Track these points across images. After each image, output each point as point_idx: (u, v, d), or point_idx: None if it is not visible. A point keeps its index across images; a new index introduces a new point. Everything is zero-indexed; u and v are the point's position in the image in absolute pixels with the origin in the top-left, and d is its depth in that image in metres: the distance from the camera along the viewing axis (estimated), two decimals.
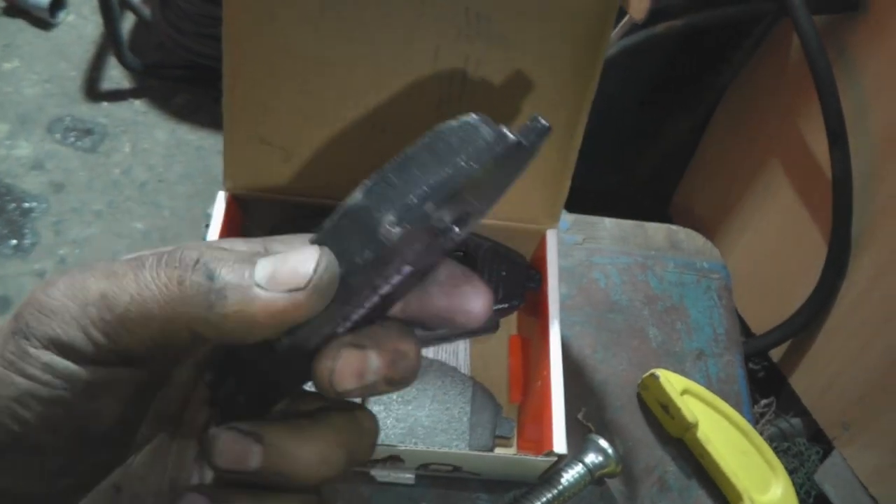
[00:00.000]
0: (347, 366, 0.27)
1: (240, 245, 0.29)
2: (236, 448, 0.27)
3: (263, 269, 0.26)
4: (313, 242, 0.27)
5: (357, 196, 0.27)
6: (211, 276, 0.25)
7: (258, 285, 0.25)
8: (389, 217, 0.26)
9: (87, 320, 0.26)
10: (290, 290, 0.25)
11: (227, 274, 0.26)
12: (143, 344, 0.26)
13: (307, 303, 0.25)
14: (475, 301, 0.29)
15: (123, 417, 0.28)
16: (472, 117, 0.28)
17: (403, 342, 0.28)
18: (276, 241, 0.29)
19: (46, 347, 0.25)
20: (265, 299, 0.25)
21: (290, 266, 0.25)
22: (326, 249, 0.26)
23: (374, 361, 0.27)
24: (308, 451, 0.28)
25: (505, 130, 0.28)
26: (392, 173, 0.27)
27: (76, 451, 0.27)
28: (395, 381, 0.28)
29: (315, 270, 0.25)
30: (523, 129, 0.28)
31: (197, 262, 0.26)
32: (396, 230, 0.26)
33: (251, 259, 0.26)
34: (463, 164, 0.27)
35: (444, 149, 0.27)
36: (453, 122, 0.28)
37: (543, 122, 0.28)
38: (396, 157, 0.28)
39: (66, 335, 0.25)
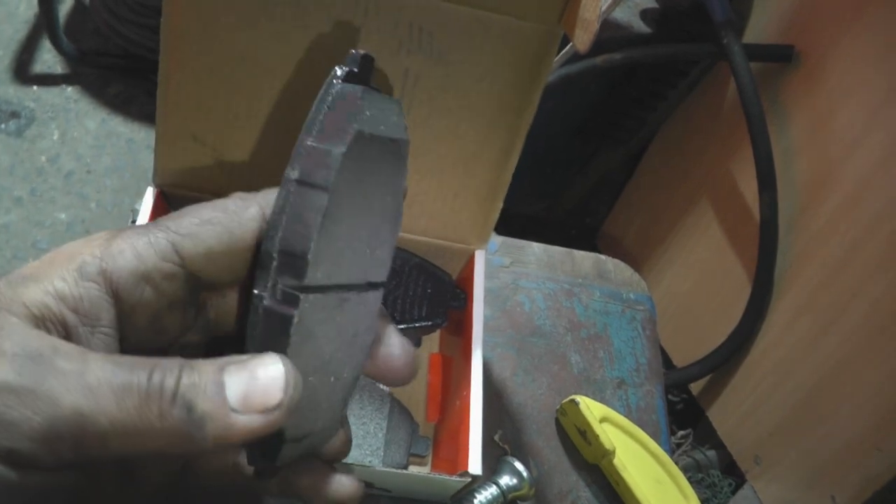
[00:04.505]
0: None
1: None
2: None
3: (236, 389, 0.26)
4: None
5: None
6: (190, 409, 0.26)
7: (234, 409, 0.26)
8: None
9: (54, 436, 0.24)
10: (265, 411, 0.27)
11: (205, 405, 0.26)
12: (111, 460, 0.25)
13: (281, 419, 0.27)
14: (397, 360, 0.33)
15: None
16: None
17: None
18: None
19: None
20: (241, 423, 0.26)
21: (262, 386, 0.27)
22: (290, 364, 0.27)
23: None
24: None
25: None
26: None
27: None
28: None
29: (286, 392, 0.27)
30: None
31: (175, 394, 0.26)
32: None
33: (221, 371, 0.27)
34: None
35: None
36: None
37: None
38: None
39: (27, 449, 0.24)
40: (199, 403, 0.26)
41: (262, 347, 0.28)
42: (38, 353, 0.25)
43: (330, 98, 0.31)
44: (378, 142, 0.31)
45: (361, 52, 0.33)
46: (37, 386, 0.24)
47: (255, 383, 0.27)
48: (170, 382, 0.26)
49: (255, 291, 0.28)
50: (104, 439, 0.25)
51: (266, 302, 0.28)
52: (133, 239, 0.29)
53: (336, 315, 0.30)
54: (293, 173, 0.29)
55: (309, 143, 0.29)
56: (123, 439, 0.25)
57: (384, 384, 0.32)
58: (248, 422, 0.26)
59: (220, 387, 0.26)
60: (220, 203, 0.31)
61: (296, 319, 0.28)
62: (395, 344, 0.33)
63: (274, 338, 0.28)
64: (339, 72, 0.31)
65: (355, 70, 0.32)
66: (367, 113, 0.31)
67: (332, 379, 0.30)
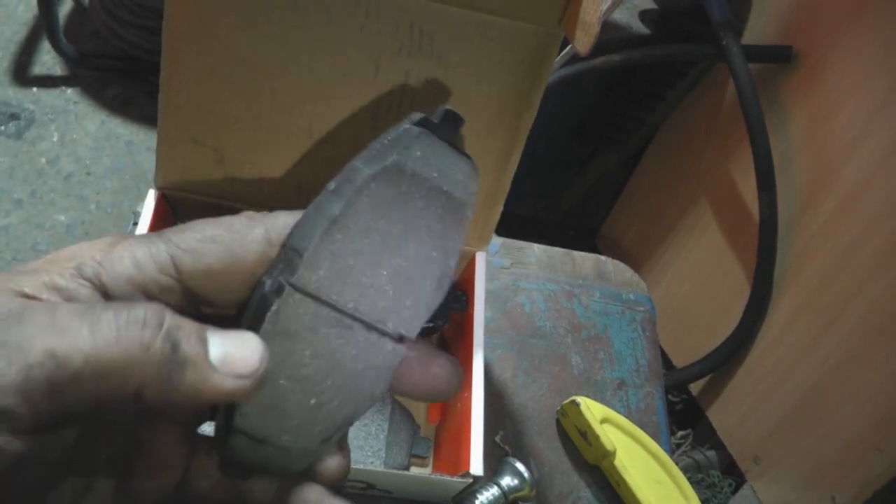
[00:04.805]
0: None
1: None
2: None
3: (218, 349, 0.27)
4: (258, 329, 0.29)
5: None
6: (175, 347, 0.26)
7: (212, 366, 0.27)
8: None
9: (30, 385, 0.24)
10: (237, 377, 0.27)
11: (189, 348, 0.26)
12: (86, 405, 0.25)
13: (248, 391, 0.27)
14: (444, 377, 0.33)
15: (51, 481, 0.27)
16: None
17: None
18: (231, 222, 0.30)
19: None
20: (215, 381, 0.27)
21: (240, 353, 0.27)
22: (266, 349, 0.28)
23: None
24: None
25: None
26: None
27: None
28: None
29: (260, 364, 0.28)
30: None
31: (161, 325, 0.26)
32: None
33: (204, 329, 0.27)
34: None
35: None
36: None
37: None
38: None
39: (6, 405, 0.23)
40: (184, 345, 0.26)
41: (244, 328, 0.29)
42: (10, 312, 0.25)
43: (391, 134, 0.31)
44: (423, 184, 0.31)
45: (448, 107, 0.32)
46: (8, 337, 0.24)
47: (235, 348, 0.27)
48: (155, 314, 0.26)
49: (262, 279, 0.29)
50: (77, 379, 0.24)
51: (264, 289, 0.28)
52: (134, 247, 0.29)
53: (331, 336, 0.30)
54: (330, 185, 0.30)
55: (352, 162, 0.30)
56: (97, 378, 0.24)
57: (428, 402, 0.33)
58: (221, 381, 0.27)
59: (204, 340, 0.27)
60: (226, 220, 0.30)
61: (274, 307, 0.28)
62: (441, 364, 0.33)
63: (255, 321, 0.29)
64: (414, 116, 0.32)
65: (434, 121, 0.32)
66: (418, 152, 0.31)
67: (313, 401, 0.30)
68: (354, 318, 0.30)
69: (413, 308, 0.31)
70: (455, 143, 0.33)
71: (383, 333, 0.31)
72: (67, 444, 0.27)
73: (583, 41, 0.50)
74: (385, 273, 0.30)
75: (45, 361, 0.24)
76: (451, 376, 0.33)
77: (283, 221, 0.30)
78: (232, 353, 0.27)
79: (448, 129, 0.32)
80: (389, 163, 0.30)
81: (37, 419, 0.24)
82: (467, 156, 0.33)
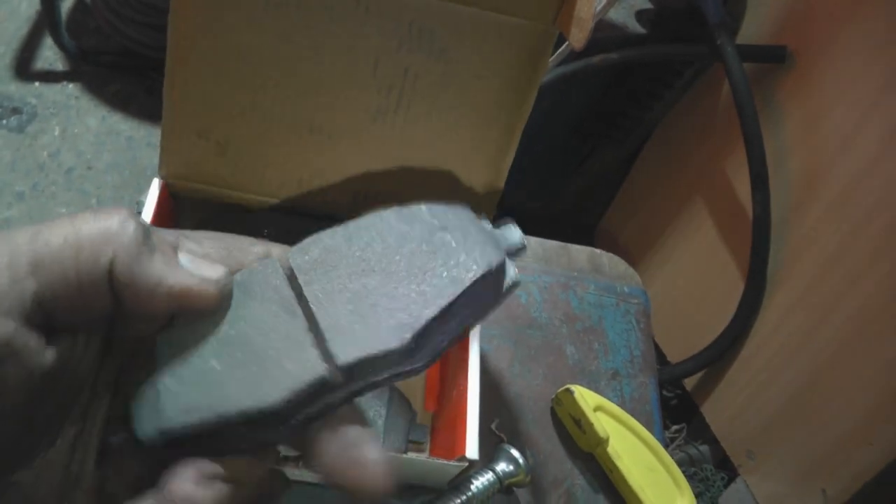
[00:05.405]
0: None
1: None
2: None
3: (187, 252, 0.28)
4: None
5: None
6: (147, 233, 0.27)
7: (180, 262, 0.28)
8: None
9: (14, 264, 0.25)
10: (203, 280, 0.28)
11: (159, 238, 0.28)
12: (68, 294, 0.26)
13: (211, 296, 0.28)
14: (367, 469, 0.27)
15: (29, 397, 0.26)
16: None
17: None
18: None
19: None
20: (180, 275, 0.27)
21: (208, 264, 0.28)
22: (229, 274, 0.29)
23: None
24: None
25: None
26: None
27: None
28: None
29: (225, 277, 0.28)
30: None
31: (136, 212, 0.28)
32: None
33: (176, 237, 0.28)
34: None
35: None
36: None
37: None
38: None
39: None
40: (154, 235, 0.28)
41: None
42: None
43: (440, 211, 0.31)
44: (440, 238, 0.30)
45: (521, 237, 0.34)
46: None
47: (202, 261, 0.28)
48: (131, 213, 0.27)
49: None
50: (57, 255, 0.26)
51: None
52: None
53: (274, 315, 0.28)
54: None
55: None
56: (75, 250, 0.26)
57: (350, 494, 0.27)
58: (186, 276, 0.27)
59: (176, 237, 0.28)
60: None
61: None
62: (369, 452, 0.27)
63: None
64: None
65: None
66: (453, 218, 0.31)
67: (213, 363, 0.28)
68: (303, 312, 0.28)
69: (357, 338, 0.27)
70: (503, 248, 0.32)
71: (316, 342, 0.27)
72: (41, 366, 0.27)
73: (577, 37, 0.51)
74: (354, 287, 0.28)
75: (30, 241, 0.26)
76: (375, 471, 0.27)
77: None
78: (199, 261, 0.28)
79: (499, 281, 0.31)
80: (419, 209, 0.30)
81: (23, 302, 0.25)
82: (504, 254, 0.31)
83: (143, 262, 0.27)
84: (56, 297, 0.26)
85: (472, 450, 0.56)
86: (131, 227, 0.27)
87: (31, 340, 0.26)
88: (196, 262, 0.28)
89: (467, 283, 0.29)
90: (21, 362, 0.26)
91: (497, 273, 0.30)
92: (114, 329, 0.29)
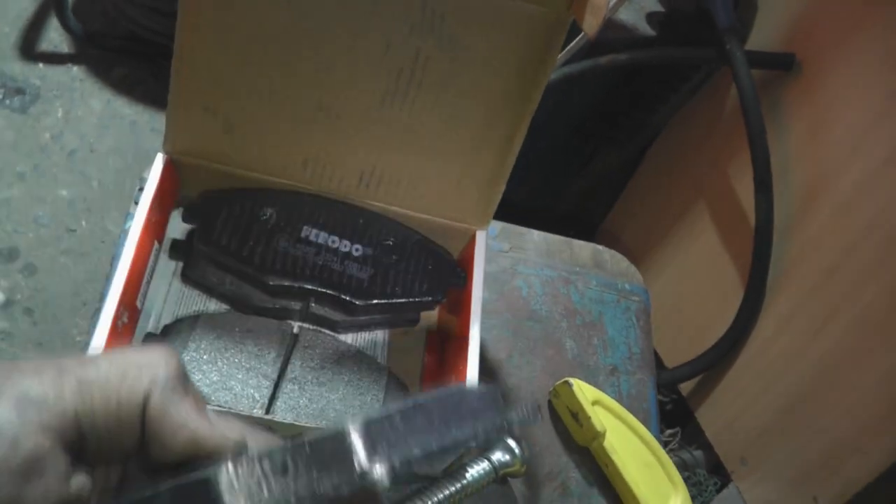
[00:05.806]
0: None
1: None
2: None
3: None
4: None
5: (355, 424, 0.30)
6: (186, 375, 0.30)
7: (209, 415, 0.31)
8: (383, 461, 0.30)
9: (65, 382, 0.27)
10: (223, 436, 0.30)
11: (194, 387, 0.32)
12: (106, 417, 0.28)
13: (224, 452, 0.30)
14: None
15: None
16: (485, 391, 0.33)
17: None
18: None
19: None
20: (205, 424, 0.30)
21: (230, 424, 0.31)
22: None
23: None
24: None
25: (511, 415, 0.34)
26: (399, 417, 0.32)
27: None
28: None
29: (242, 440, 0.30)
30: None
31: (179, 355, 0.31)
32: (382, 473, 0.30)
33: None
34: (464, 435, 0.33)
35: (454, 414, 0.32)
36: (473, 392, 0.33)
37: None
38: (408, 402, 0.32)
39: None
40: (191, 384, 0.31)
41: None
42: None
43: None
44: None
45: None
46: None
47: (226, 420, 0.31)
48: (173, 349, 0.31)
49: None
50: (105, 380, 0.28)
51: None
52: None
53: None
54: None
55: None
56: (121, 381, 0.28)
57: None
58: (209, 428, 0.30)
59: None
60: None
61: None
62: None
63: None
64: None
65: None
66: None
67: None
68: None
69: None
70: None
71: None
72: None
73: (591, 23, 0.51)
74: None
75: (77, 366, 0.27)
76: None
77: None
78: (223, 420, 0.31)
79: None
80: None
81: (63, 418, 0.26)
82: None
83: (177, 401, 0.29)
84: (95, 418, 0.27)
85: None
86: (174, 363, 0.29)
87: (60, 464, 0.27)
88: (221, 419, 0.30)
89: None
90: (45, 484, 0.26)
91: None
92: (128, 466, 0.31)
